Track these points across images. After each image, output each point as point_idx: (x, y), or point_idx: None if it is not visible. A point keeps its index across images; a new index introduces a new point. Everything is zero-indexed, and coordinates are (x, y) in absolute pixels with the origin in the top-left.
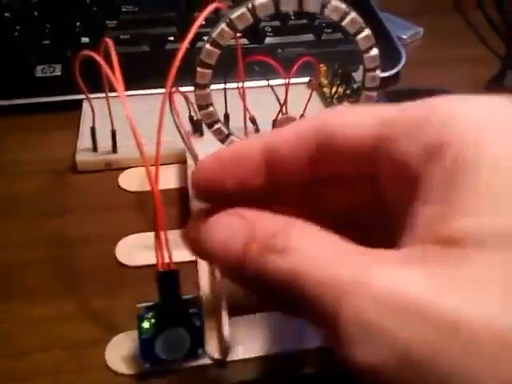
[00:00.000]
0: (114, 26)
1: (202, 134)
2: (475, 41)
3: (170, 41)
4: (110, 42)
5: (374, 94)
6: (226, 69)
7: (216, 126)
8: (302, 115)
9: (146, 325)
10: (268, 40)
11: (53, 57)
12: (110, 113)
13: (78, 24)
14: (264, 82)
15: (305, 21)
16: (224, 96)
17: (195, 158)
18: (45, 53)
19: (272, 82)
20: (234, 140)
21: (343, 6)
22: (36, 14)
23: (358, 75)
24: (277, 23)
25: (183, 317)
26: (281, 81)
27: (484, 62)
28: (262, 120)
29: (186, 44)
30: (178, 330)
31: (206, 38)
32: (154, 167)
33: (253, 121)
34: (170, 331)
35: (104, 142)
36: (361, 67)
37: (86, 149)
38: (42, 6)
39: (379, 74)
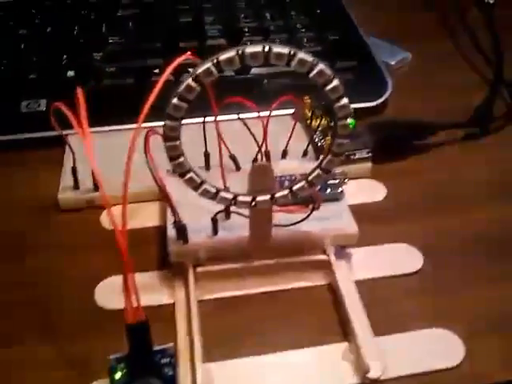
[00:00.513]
0: (99, 59)
1: None
2: (464, 66)
3: (156, 73)
4: (79, 91)
5: (346, 141)
6: (205, 103)
7: (188, 176)
8: (284, 149)
9: (117, 376)
10: (254, 70)
11: (38, 91)
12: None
13: (64, 57)
14: (249, 114)
15: None
16: (203, 133)
17: (169, 200)
18: (30, 87)
19: (254, 115)
20: (207, 188)
21: (310, 58)
22: (22, 47)
23: None
24: None
25: (155, 367)
26: (263, 113)
27: (474, 88)
28: (245, 155)
29: (151, 100)
30: (151, 380)
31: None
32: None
33: (233, 158)
34: (143, 382)
35: (87, 180)
36: None
37: (68, 187)
38: (29, 39)
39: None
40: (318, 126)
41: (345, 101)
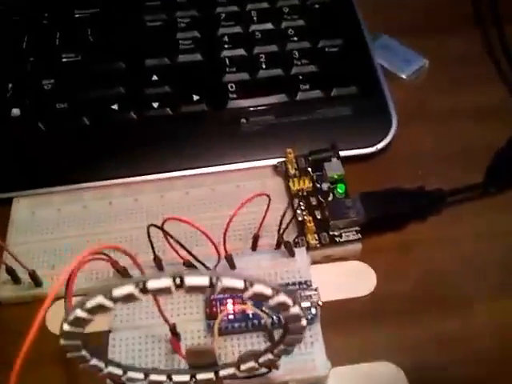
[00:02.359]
0: (50, 88)
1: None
2: (494, 76)
3: (114, 110)
4: None
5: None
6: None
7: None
8: (256, 234)
9: None
10: (231, 104)
11: None
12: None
13: (9, 87)
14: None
15: (279, 70)
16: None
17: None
18: None
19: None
20: (133, 377)
21: (237, 283)
22: None
23: (328, 166)
24: (245, 75)
25: None
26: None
27: (502, 113)
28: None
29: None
30: None
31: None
32: None
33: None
34: None
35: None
36: (334, 159)
37: (7, 280)
38: None
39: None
40: (301, 190)
41: (295, 310)
